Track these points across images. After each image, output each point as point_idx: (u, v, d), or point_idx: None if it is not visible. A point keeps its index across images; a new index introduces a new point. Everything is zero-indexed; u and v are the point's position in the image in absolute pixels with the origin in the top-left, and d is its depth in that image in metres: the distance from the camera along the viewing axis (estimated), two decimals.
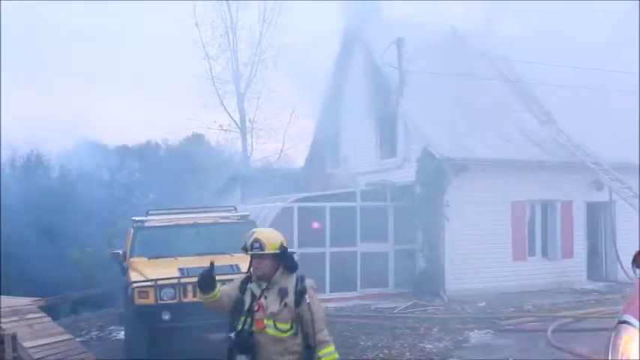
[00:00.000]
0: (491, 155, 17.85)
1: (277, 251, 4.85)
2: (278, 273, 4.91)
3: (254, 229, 5.26)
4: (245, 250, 4.94)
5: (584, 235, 19.31)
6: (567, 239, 19.02)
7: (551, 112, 20.01)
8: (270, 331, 4.82)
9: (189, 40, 36.57)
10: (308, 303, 4.79)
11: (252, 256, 4.90)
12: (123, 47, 51.20)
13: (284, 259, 4.89)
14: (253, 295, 4.94)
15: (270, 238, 4.90)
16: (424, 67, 18.69)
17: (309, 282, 4.92)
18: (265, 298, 4.89)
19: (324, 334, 4.87)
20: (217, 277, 9.99)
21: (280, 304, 4.80)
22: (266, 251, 4.82)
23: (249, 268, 5.02)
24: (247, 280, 5.04)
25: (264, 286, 4.93)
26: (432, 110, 18.48)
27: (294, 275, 4.96)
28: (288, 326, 4.82)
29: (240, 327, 4.90)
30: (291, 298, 4.81)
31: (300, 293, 4.82)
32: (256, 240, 4.86)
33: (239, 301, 4.97)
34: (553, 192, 18.66)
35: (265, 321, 4.82)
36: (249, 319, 4.88)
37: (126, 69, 51.21)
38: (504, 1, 20.05)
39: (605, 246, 19.90)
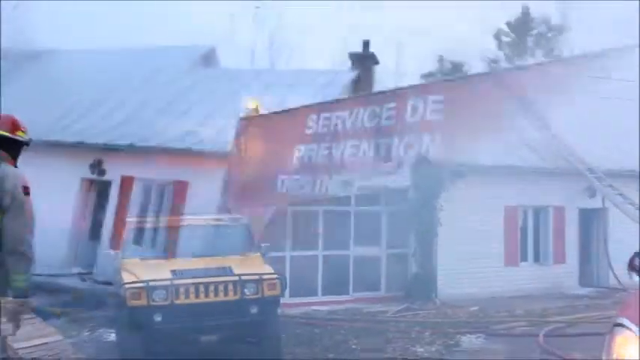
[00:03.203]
0: (486, 161, 17.79)
1: None
2: None
3: None
4: None
5: (576, 241, 19.34)
6: (559, 245, 19.05)
7: (547, 118, 19.96)
8: None
9: None
10: None
11: None
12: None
13: None
14: None
15: None
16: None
17: None
18: None
19: None
20: (210, 280, 9.94)
21: None
22: None
23: None
24: None
25: None
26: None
27: None
28: None
29: None
30: None
31: None
32: None
33: None
34: (546, 198, 18.68)
35: None
36: None
37: None
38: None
39: (598, 252, 19.93)
